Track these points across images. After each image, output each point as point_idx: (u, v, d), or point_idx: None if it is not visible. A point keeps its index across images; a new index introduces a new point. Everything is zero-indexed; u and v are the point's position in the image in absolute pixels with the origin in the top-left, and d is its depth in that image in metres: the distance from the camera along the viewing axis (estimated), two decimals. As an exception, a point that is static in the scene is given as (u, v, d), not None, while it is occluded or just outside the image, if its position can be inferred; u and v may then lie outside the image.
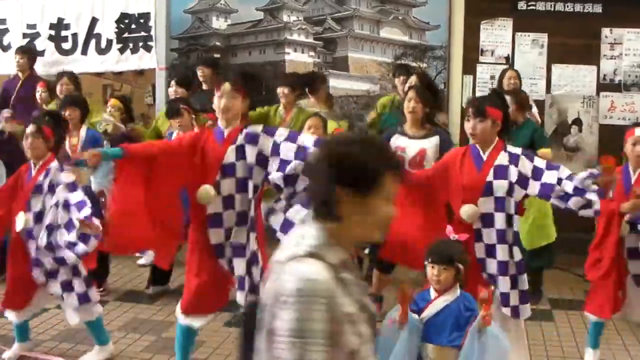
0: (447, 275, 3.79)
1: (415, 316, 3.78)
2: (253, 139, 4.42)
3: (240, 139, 4.42)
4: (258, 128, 4.50)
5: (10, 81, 8.41)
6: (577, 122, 7.91)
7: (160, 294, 6.41)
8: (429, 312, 3.80)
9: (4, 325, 5.52)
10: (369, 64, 8.20)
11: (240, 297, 4.48)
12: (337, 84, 8.29)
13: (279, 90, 6.85)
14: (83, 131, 6.35)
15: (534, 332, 5.56)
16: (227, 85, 4.44)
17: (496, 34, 7.99)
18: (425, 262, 3.86)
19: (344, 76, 8.29)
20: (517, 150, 4.47)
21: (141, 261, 7.25)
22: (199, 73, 7.51)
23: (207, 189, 4.39)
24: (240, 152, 4.42)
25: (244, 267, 4.45)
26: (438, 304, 3.81)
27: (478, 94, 7.86)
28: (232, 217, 4.46)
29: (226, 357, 5.16)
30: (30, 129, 4.89)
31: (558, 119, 7.95)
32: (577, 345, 5.34)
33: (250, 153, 4.40)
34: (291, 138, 4.39)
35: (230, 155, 4.42)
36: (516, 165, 4.38)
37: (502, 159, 4.41)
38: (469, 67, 8.03)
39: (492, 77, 7.90)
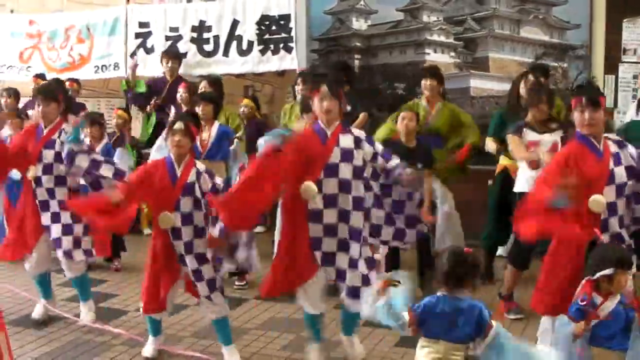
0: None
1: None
2: (358, 144, 4.73)
3: (348, 141, 4.70)
4: (362, 134, 4.84)
5: (157, 81, 8.79)
6: None
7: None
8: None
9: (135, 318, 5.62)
10: (510, 64, 8.16)
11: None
12: (478, 84, 8.31)
13: (424, 82, 6.85)
14: (215, 127, 6.66)
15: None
16: (324, 88, 4.72)
17: (639, 32, 7.92)
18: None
19: (485, 76, 8.30)
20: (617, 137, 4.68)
21: None
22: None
23: (310, 187, 4.59)
24: (346, 155, 4.68)
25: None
26: (606, 307, 3.82)
27: (621, 94, 7.80)
28: (333, 215, 4.67)
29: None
30: (178, 125, 4.88)
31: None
32: None
33: (356, 156, 4.69)
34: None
35: (335, 156, 4.67)
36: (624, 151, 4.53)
37: (612, 146, 4.50)
38: (611, 66, 7.89)
39: (635, 77, 7.78)
